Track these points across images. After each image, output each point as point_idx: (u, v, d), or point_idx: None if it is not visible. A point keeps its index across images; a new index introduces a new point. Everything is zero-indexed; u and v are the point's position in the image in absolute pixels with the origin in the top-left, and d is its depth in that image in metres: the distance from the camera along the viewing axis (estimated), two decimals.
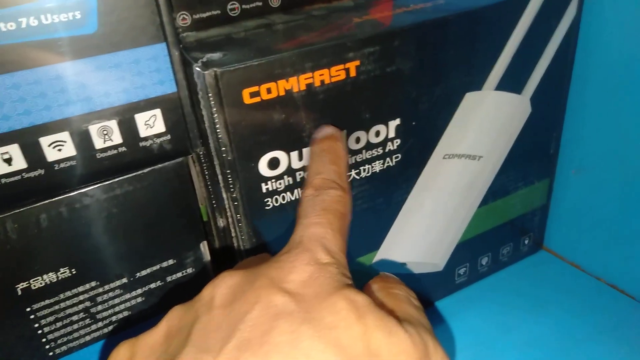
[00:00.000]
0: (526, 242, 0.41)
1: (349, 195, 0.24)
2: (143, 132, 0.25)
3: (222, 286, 0.20)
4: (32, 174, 0.23)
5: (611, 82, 0.34)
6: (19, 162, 0.22)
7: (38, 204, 0.24)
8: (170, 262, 0.28)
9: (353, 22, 0.28)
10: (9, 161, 0.22)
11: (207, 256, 0.30)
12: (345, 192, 0.24)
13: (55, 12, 0.21)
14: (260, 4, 0.32)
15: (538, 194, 0.39)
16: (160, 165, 0.26)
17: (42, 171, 0.23)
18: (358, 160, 0.29)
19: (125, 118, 0.24)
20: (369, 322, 0.18)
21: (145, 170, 0.26)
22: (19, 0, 0.20)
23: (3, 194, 0.23)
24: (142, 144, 0.25)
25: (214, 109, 0.24)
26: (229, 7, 0.31)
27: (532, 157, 0.36)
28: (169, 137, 0.25)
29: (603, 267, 0.38)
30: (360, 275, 0.33)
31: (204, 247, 0.29)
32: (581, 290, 0.38)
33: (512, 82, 0.32)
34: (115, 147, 0.24)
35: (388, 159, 0.30)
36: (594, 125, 0.36)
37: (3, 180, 0.22)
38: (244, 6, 0.31)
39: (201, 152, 0.28)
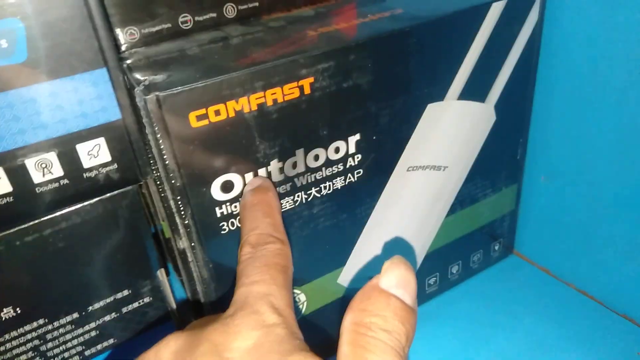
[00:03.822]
0: (496, 247, 0.40)
1: (288, 247, 0.23)
2: (87, 162, 0.23)
3: (166, 352, 0.19)
4: None
5: (575, 86, 0.33)
6: None
7: None
8: (125, 292, 0.27)
9: (309, 35, 0.27)
10: None
11: (165, 284, 0.28)
12: (284, 244, 0.23)
13: None
14: (214, 15, 0.31)
15: (507, 200, 0.38)
16: (107, 196, 0.24)
17: None
18: (318, 177, 0.28)
19: (66, 149, 0.23)
20: None
21: (92, 202, 0.24)
22: None
23: None
24: (86, 174, 0.24)
25: (159, 135, 0.23)
26: (180, 19, 0.29)
27: (499, 164, 0.36)
28: (115, 166, 0.24)
29: (573, 273, 0.38)
30: (327, 293, 0.33)
31: (161, 274, 0.28)
32: (552, 296, 0.38)
33: (475, 91, 0.31)
34: (57, 179, 0.23)
35: (350, 174, 0.29)
36: (560, 130, 0.35)
37: None
38: (197, 18, 0.30)
39: (155, 176, 0.26)
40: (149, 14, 0.28)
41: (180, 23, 0.29)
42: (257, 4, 0.31)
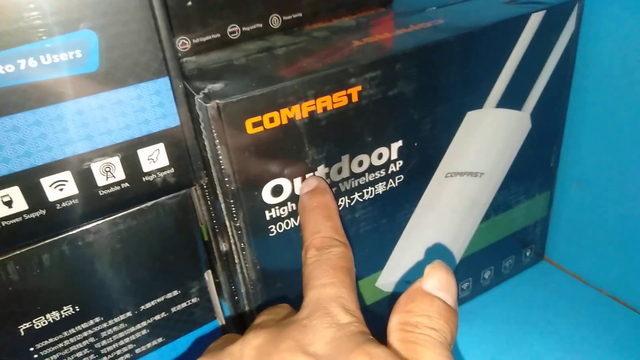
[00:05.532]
0: (528, 254, 0.41)
1: (350, 249, 0.24)
2: (146, 167, 0.24)
3: (248, 347, 0.20)
4: (33, 215, 0.22)
5: (609, 95, 0.34)
6: (20, 204, 0.22)
7: (40, 244, 0.23)
8: (175, 292, 0.28)
9: (354, 45, 0.28)
10: (9, 204, 0.22)
11: (212, 285, 0.29)
12: (347, 247, 0.24)
13: (55, 52, 0.20)
14: (260, 25, 0.32)
15: (539, 206, 0.39)
16: (163, 199, 0.25)
17: (43, 211, 0.23)
18: (361, 183, 0.29)
19: (128, 154, 0.24)
20: None
21: (149, 204, 0.25)
22: (18, 40, 0.19)
23: (4, 236, 0.22)
24: (145, 178, 0.25)
25: (217, 140, 0.24)
26: (229, 30, 0.30)
27: (533, 171, 0.36)
28: (172, 170, 0.25)
29: (604, 279, 0.38)
30: (366, 296, 0.33)
31: (208, 276, 0.29)
32: (583, 302, 0.38)
33: (512, 99, 0.32)
34: (118, 183, 0.24)
35: (391, 180, 0.30)
36: (593, 138, 0.36)
37: (3, 223, 0.22)
38: (244, 28, 0.31)
39: (204, 182, 0.27)
40: (200, 24, 0.29)
41: (228, 33, 0.30)
42: (300, 14, 0.32)
